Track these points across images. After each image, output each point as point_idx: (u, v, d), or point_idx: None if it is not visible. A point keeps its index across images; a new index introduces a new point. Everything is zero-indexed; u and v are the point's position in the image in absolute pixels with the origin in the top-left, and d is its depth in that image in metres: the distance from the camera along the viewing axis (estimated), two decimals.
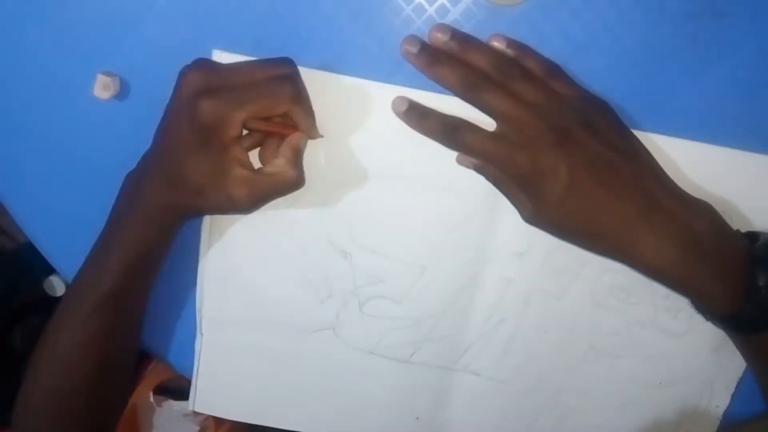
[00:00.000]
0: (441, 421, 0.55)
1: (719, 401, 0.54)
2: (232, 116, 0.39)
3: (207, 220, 0.50)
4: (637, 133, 0.44)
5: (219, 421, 0.87)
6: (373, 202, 0.49)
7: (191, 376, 0.56)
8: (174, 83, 0.42)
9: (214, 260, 0.51)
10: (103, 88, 0.45)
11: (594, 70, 0.45)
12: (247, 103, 0.40)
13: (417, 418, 0.55)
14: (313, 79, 0.45)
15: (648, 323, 0.50)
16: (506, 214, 0.48)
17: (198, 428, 0.89)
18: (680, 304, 0.49)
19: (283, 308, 0.52)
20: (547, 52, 0.44)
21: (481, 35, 0.44)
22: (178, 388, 0.89)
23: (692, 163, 0.46)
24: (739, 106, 0.46)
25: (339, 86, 0.45)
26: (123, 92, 0.47)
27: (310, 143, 0.46)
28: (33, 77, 0.47)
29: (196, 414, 0.87)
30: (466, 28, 0.44)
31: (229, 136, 0.40)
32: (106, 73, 0.45)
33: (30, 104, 0.48)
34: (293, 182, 0.43)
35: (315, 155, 0.47)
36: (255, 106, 0.40)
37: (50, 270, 0.80)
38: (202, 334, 0.53)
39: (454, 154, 0.46)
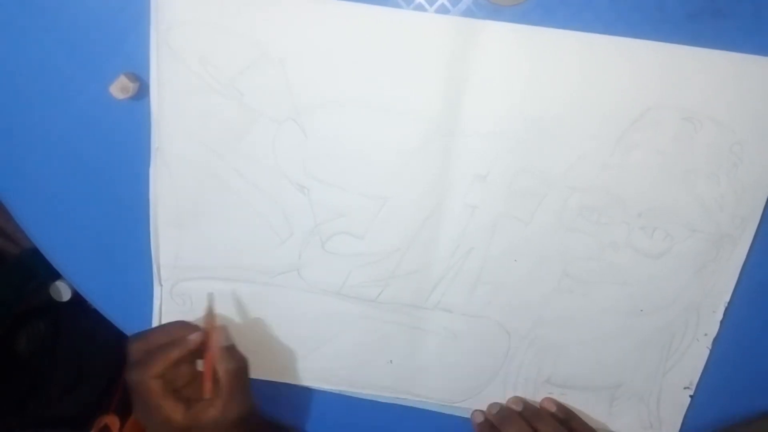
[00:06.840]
0: (415, 363, 0.53)
1: (707, 328, 0.51)
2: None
3: (153, 168, 0.48)
4: None
5: None
6: (326, 130, 0.46)
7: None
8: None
9: (165, 205, 0.49)
10: (120, 89, 0.45)
11: None
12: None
13: (390, 361, 0.53)
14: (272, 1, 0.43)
15: (622, 245, 0.48)
16: (465, 136, 0.46)
17: None
18: (655, 221, 0.47)
19: (242, 250, 0.50)
20: None
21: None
22: None
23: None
24: None
25: (292, 7, 0.43)
26: (137, 95, 0.46)
27: (263, 65, 0.45)
28: (44, 86, 0.47)
29: None
30: None
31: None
32: (129, 76, 0.45)
33: (35, 109, 0.48)
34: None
35: (264, 83, 0.45)
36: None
37: (56, 275, 0.80)
38: (161, 285, 0.52)
39: (407, 76, 0.44)
